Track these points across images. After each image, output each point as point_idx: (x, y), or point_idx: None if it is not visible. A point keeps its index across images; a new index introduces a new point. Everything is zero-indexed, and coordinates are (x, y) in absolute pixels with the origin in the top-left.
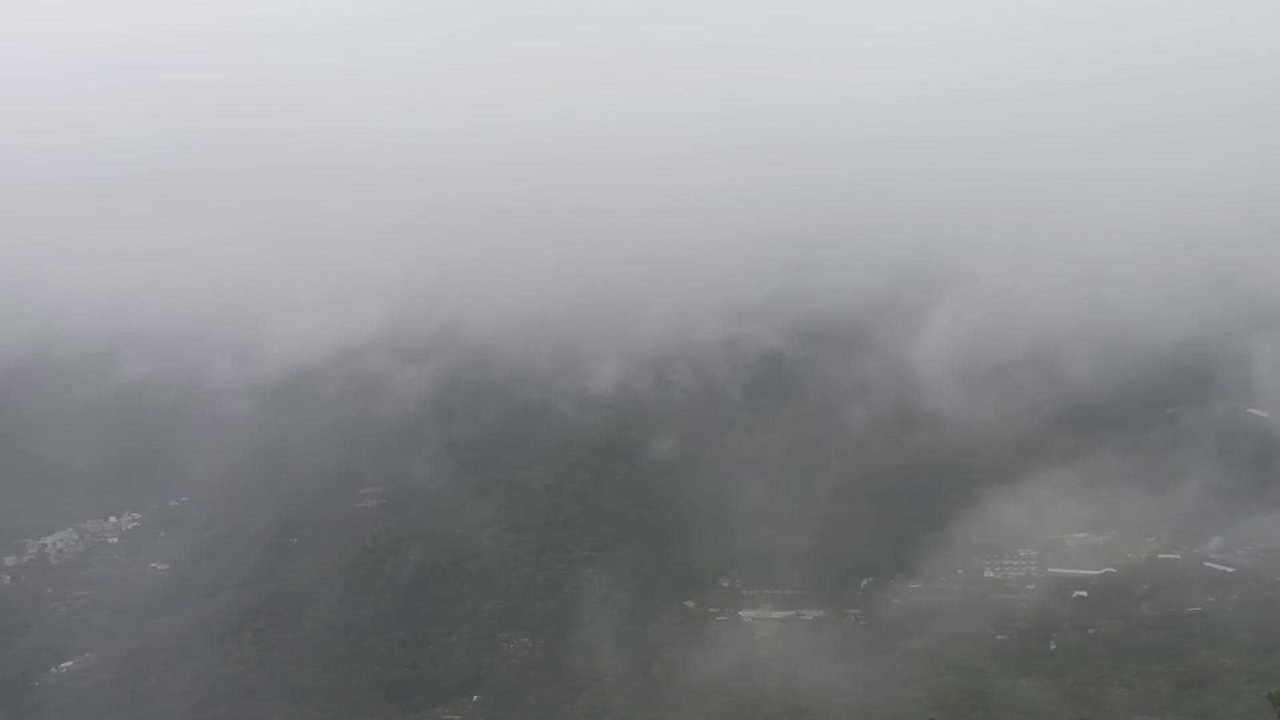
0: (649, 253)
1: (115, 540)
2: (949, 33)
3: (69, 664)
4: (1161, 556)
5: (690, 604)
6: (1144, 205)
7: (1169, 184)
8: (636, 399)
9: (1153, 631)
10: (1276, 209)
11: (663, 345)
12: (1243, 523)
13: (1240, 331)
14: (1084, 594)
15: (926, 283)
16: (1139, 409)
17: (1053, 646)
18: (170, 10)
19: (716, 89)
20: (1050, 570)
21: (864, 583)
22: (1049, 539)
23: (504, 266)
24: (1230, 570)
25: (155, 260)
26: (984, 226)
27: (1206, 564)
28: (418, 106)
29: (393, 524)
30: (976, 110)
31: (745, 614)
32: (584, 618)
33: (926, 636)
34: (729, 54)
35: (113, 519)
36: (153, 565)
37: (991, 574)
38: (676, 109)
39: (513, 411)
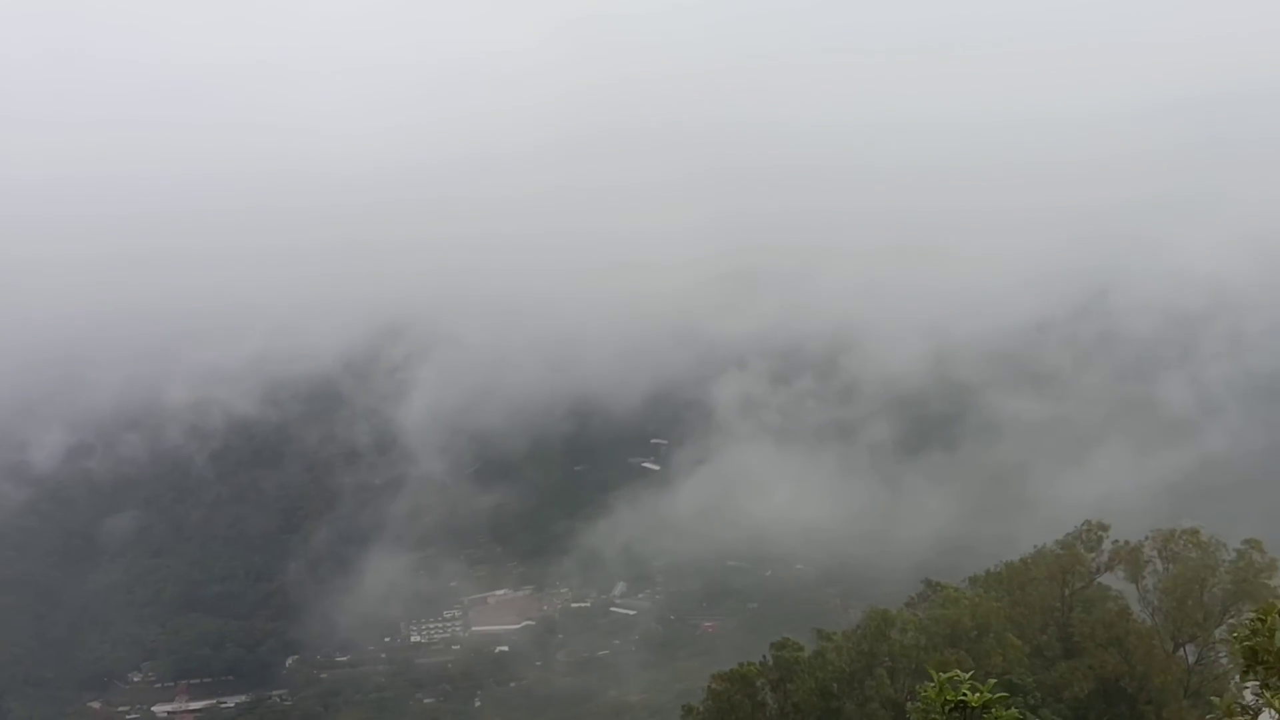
0: (95, 312)
1: None
2: (442, 106)
3: None
4: (574, 606)
5: (96, 705)
6: (611, 262)
7: (633, 241)
8: (85, 473)
9: (568, 678)
10: (728, 264)
11: (115, 412)
12: (640, 569)
13: (700, 379)
14: (506, 649)
15: (411, 343)
16: (556, 464)
17: (478, 704)
18: None
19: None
20: (474, 629)
21: (289, 661)
22: (473, 598)
23: None
24: (632, 613)
25: None
26: (468, 285)
27: (613, 609)
28: None
29: None
30: (454, 172)
31: (160, 709)
32: None
33: (354, 709)
34: (205, 122)
35: None
36: None
37: (419, 638)
38: (131, 172)
39: None
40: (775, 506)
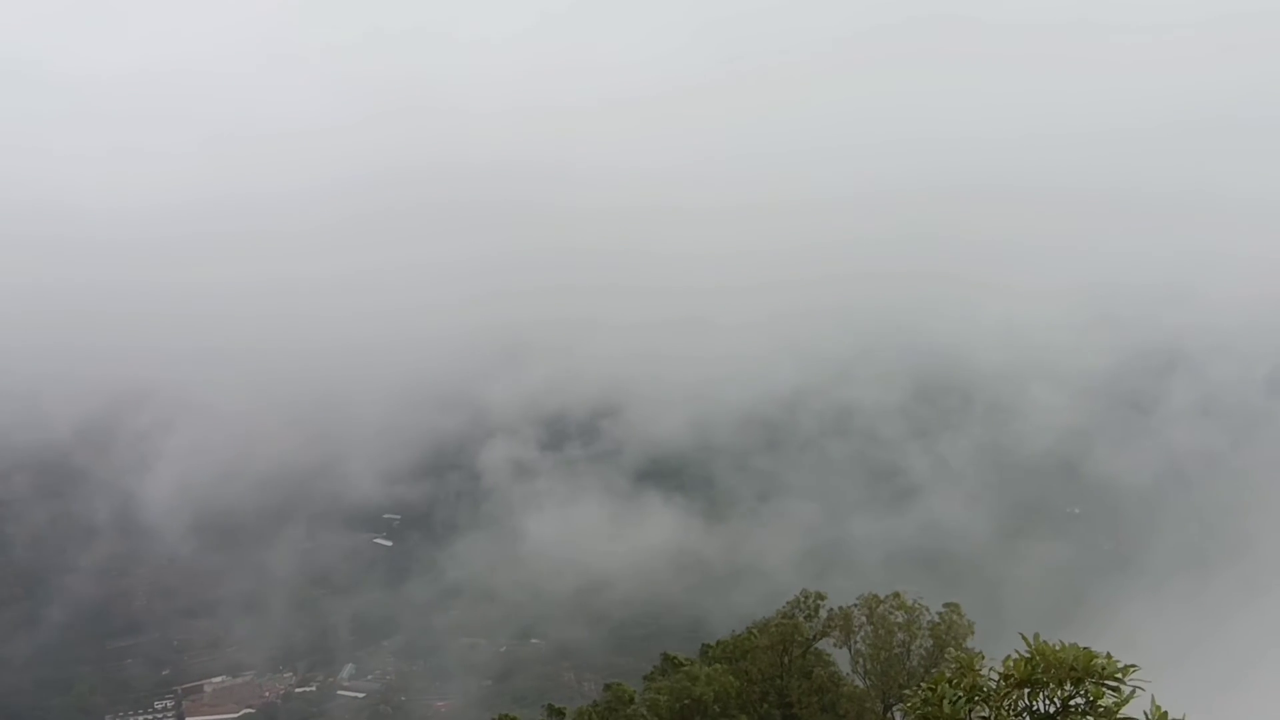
0: None
1: None
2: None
3: None
4: (299, 691)
5: None
6: (380, 338)
7: (404, 317)
8: None
9: None
10: (496, 334)
11: None
12: (369, 650)
13: (461, 448)
14: None
15: (156, 412)
16: (293, 539)
17: None
18: None
19: None
20: None
21: None
22: (187, 686)
23: None
24: (361, 695)
25: None
26: (215, 359)
27: (340, 692)
28: None
29: None
30: (221, 247)
31: None
32: None
33: None
34: None
35: None
36: None
37: None
38: None
39: None
40: (519, 578)
